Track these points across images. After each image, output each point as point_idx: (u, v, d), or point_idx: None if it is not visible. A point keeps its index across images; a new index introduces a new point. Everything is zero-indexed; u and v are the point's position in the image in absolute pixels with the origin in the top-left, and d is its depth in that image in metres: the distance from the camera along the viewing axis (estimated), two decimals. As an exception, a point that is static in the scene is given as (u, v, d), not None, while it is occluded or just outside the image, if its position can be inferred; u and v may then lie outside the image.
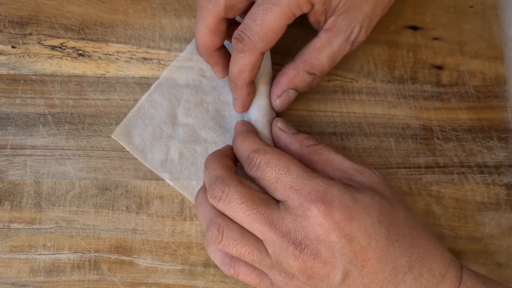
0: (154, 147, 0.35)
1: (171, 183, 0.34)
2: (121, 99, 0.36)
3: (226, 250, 0.28)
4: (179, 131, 0.35)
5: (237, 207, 0.27)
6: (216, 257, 0.30)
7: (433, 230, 0.35)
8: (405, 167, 0.36)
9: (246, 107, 0.33)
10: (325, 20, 0.31)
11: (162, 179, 0.34)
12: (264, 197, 0.28)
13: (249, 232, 0.28)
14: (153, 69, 0.36)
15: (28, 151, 0.34)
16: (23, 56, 0.36)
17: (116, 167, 0.35)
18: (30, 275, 0.33)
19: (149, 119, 0.35)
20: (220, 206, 0.28)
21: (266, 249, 0.27)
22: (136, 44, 0.36)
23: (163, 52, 0.36)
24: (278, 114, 0.34)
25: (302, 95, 0.36)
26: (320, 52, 0.31)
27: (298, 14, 0.30)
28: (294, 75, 0.32)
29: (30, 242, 0.33)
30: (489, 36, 0.39)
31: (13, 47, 0.36)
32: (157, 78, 0.36)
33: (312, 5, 0.30)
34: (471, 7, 0.39)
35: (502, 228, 0.36)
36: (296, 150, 0.31)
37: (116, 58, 0.36)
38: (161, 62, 0.36)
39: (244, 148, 0.30)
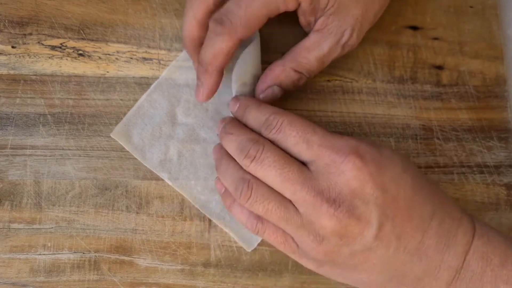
0: (153, 147, 0.35)
1: (170, 183, 0.34)
2: (121, 99, 0.36)
3: (254, 208, 0.28)
4: (178, 130, 0.35)
5: (269, 165, 0.27)
6: (242, 215, 0.30)
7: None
8: (405, 167, 0.36)
9: (209, 96, 0.32)
10: (315, 21, 0.31)
11: (162, 179, 0.34)
12: (295, 159, 0.28)
13: (279, 192, 0.28)
14: (153, 69, 0.36)
15: (28, 151, 0.34)
16: (23, 56, 0.36)
17: (116, 167, 0.35)
18: (30, 275, 0.33)
19: (148, 119, 0.35)
20: (253, 166, 0.28)
21: (295, 208, 0.27)
22: (136, 44, 0.36)
23: (163, 52, 0.36)
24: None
25: (302, 95, 0.36)
26: (309, 52, 0.32)
27: (282, 9, 0.30)
28: (281, 71, 0.32)
29: (30, 242, 0.33)
30: (489, 36, 0.39)
31: (13, 47, 0.36)
32: (157, 78, 0.36)
33: (299, 3, 0.30)
34: (471, 7, 0.39)
35: (502, 228, 0.36)
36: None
37: (116, 58, 0.36)
38: (161, 62, 0.36)
39: (261, 113, 0.29)
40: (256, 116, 0.30)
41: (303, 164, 0.28)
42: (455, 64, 0.38)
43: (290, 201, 0.27)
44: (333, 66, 0.37)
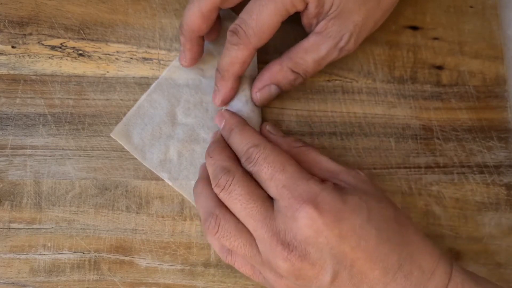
0: (153, 147, 0.35)
1: (170, 183, 0.34)
2: (121, 99, 0.36)
3: (222, 242, 0.29)
4: (178, 130, 0.35)
5: (235, 198, 0.28)
6: (214, 246, 0.30)
7: (433, 230, 0.35)
8: (405, 167, 0.36)
9: (226, 101, 0.33)
10: (317, 23, 0.32)
11: (162, 179, 0.34)
12: (263, 194, 0.28)
13: (245, 226, 0.28)
14: (153, 69, 0.36)
15: (28, 151, 0.34)
16: (23, 56, 0.36)
17: (116, 167, 0.35)
18: (30, 275, 0.33)
19: (148, 119, 0.35)
20: (222, 195, 0.29)
21: (257, 245, 0.28)
22: (136, 44, 0.36)
23: (163, 52, 0.36)
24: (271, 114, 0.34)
25: (302, 95, 0.36)
26: (307, 53, 0.32)
27: (292, 11, 0.30)
28: (278, 70, 0.33)
29: (30, 242, 0.33)
30: (489, 36, 0.39)
31: (13, 47, 0.36)
32: (157, 78, 0.36)
33: (306, 4, 0.30)
34: (471, 7, 0.39)
35: (502, 228, 0.36)
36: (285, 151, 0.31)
37: (116, 58, 0.36)
38: (161, 62, 0.36)
39: (243, 142, 0.30)
40: (238, 143, 0.31)
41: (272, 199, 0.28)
42: (455, 64, 0.38)
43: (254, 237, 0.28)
44: (333, 66, 0.37)
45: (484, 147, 0.37)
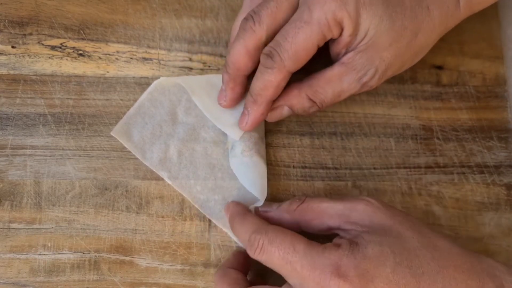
0: (153, 145, 0.35)
1: (169, 182, 0.34)
2: (121, 99, 0.36)
3: None
4: (178, 129, 0.35)
5: None
6: None
7: (433, 230, 0.35)
8: (405, 167, 0.36)
9: (254, 126, 0.32)
10: (345, 54, 0.31)
11: (162, 179, 0.34)
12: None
13: None
14: (153, 69, 0.36)
15: (28, 151, 0.34)
16: (23, 56, 0.36)
17: (116, 167, 0.35)
18: (30, 275, 0.33)
19: (149, 117, 0.35)
20: None
21: None
22: (136, 44, 0.36)
23: (163, 52, 0.36)
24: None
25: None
26: (328, 83, 0.31)
27: (328, 36, 0.29)
28: (295, 94, 0.32)
29: (30, 242, 0.33)
30: (489, 36, 0.39)
31: (13, 47, 0.36)
32: (157, 78, 0.36)
33: (342, 30, 0.29)
34: (471, 7, 0.39)
35: (502, 228, 0.36)
36: (289, 220, 0.31)
37: (116, 58, 0.36)
38: (161, 62, 0.36)
39: (244, 231, 0.30)
40: (240, 233, 0.30)
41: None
42: (455, 64, 0.38)
43: None
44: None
45: (484, 147, 0.37)
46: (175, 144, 0.35)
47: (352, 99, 0.37)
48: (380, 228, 0.28)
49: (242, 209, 0.32)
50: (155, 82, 0.35)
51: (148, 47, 0.36)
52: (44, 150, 0.35)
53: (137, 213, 0.34)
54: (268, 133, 0.36)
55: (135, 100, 0.35)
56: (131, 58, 0.36)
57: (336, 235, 0.29)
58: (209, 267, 0.34)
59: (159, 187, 0.35)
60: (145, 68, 0.36)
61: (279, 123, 0.36)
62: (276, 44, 0.29)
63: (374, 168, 0.36)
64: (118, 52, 0.36)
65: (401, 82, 0.37)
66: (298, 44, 0.29)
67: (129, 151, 0.35)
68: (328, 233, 0.30)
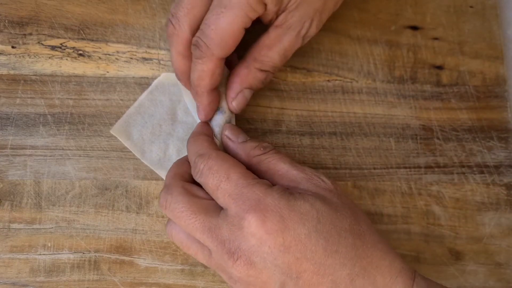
0: (153, 144, 0.35)
1: (171, 183, 0.34)
2: (121, 99, 0.36)
3: (181, 248, 0.30)
4: (178, 129, 0.35)
5: (178, 216, 0.28)
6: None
7: (433, 230, 0.35)
8: (405, 167, 0.36)
9: (208, 116, 0.32)
10: (276, 17, 0.30)
11: (162, 179, 0.34)
12: (205, 204, 0.28)
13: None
14: (153, 69, 0.36)
15: (28, 151, 0.34)
16: (23, 56, 0.36)
17: (116, 167, 0.35)
18: (30, 275, 0.33)
19: (148, 116, 0.35)
20: (167, 214, 0.29)
21: (210, 252, 0.28)
22: (136, 44, 0.36)
23: (163, 52, 0.36)
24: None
25: (302, 95, 0.36)
26: (270, 49, 0.31)
27: (253, 16, 0.29)
28: (247, 74, 0.31)
29: (30, 242, 0.33)
30: (489, 36, 0.39)
31: (13, 47, 0.36)
32: (157, 78, 0.36)
33: (265, 5, 0.29)
34: (471, 7, 0.39)
35: (502, 228, 0.36)
36: (243, 160, 0.30)
37: (116, 58, 0.36)
38: (161, 62, 0.36)
39: (191, 152, 0.30)
40: (188, 154, 0.31)
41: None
42: (455, 64, 0.38)
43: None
44: (333, 66, 0.37)
45: (484, 147, 0.37)
46: (174, 143, 0.35)
47: (352, 99, 0.37)
48: (322, 197, 0.27)
49: (200, 130, 0.32)
50: (157, 79, 0.35)
51: (148, 47, 0.36)
52: (44, 150, 0.35)
53: (137, 213, 0.34)
54: (268, 133, 0.36)
55: (135, 100, 0.35)
56: (131, 58, 0.36)
57: None
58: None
59: (159, 187, 0.35)
60: (145, 68, 0.36)
61: (279, 123, 0.36)
62: (200, 34, 0.29)
63: (374, 168, 0.36)
64: (118, 52, 0.36)
65: (401, 82, 0.37)
66: (222, 30, 0.28)
67: (129, 151, 0.35)
68: None
